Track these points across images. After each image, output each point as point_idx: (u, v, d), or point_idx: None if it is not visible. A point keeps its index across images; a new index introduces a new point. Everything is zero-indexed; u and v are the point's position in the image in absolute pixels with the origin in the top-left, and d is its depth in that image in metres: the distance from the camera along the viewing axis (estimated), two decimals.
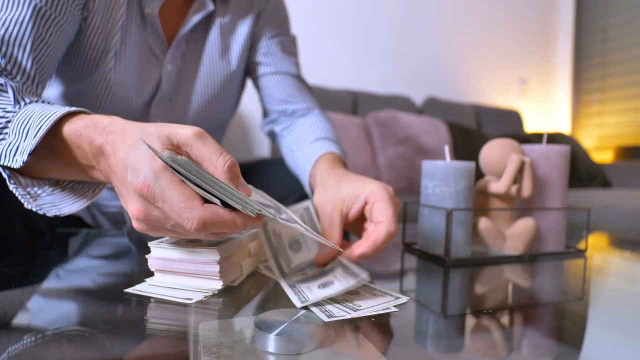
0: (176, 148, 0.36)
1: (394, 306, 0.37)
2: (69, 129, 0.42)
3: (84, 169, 0.44)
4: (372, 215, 0.48)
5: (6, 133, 0.45)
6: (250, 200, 0.34)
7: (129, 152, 0.35)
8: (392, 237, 0.46)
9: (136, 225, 0.37)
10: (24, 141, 0.43)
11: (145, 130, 0.37)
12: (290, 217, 0.41)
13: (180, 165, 0.33)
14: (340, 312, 0.34)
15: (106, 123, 0.40)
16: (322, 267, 0.46)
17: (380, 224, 0.46)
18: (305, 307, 0.35)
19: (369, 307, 0.36)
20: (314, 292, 0.38)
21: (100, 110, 0.68)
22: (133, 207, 0.35)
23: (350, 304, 0.36)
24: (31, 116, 0.43)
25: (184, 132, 0.36)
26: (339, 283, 0.38)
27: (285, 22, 0.85)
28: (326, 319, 0.33)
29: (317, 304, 0.36)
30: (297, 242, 0.50)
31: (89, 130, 0.40)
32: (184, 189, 0.33)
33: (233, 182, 0.36)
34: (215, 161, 0.36)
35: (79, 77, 0.67)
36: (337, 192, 0.51)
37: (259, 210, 0.34)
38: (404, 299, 0.38)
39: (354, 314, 0.34)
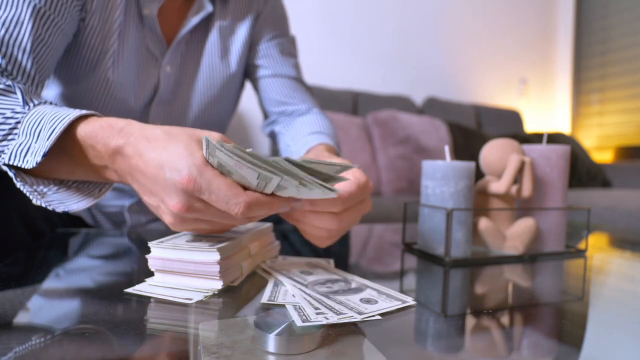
0: None
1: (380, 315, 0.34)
2: (83, 130, 0.43)
3: (96, 169, 0.45)
4: None
5: (15, 134, 0.46)
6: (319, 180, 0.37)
7: (162, 152, 0.37)
8: (363, 188, 0.44)
9: (169, 219, 0.39)
10: (36, 142, 0.44)
11: (168, 131, 0.39)
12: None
13: (240, 152, 0.34)
14: (321, 317, 0.32)
15: (123, 125, 0.42)
16: (341, 279, 0.43)
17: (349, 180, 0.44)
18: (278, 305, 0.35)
19: (372, 311, 0.34)
20: (361, 306, 0.36)
21: (98, 111, 0.68)
22: (174, 202, 0.37)
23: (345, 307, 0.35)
24: (42, 118, 0.44)
25: (213, 137, 0.38)
26: (384, 303, 0.37)
27: (284, 23, 0.85)
28: (300, 323, 0.30)
29: (301, 306, 0.34)
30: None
31: (105, 131, 0.42)
32: (226, 179, 0.36)
33: None
34: None
35: (77, 78, 0.67)
36: None
37: (333, 190, 0.36)
38: (409, 301, 0.37)
39: (336, 319, 0.32)
